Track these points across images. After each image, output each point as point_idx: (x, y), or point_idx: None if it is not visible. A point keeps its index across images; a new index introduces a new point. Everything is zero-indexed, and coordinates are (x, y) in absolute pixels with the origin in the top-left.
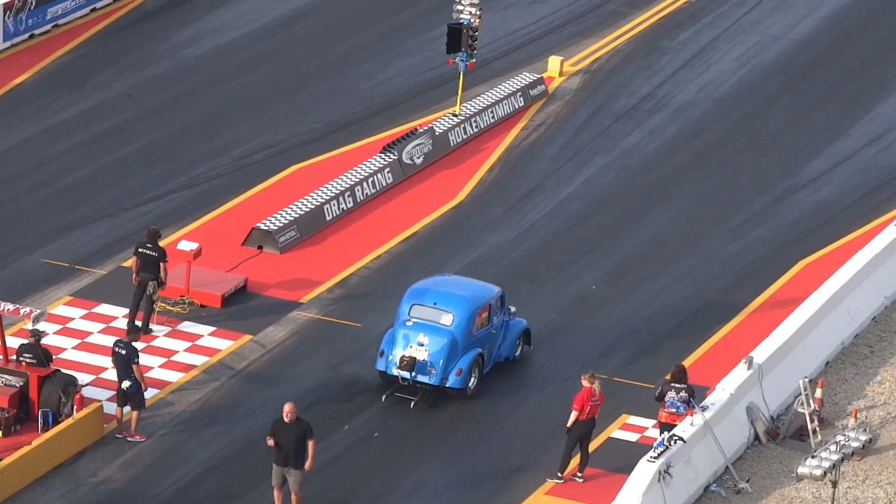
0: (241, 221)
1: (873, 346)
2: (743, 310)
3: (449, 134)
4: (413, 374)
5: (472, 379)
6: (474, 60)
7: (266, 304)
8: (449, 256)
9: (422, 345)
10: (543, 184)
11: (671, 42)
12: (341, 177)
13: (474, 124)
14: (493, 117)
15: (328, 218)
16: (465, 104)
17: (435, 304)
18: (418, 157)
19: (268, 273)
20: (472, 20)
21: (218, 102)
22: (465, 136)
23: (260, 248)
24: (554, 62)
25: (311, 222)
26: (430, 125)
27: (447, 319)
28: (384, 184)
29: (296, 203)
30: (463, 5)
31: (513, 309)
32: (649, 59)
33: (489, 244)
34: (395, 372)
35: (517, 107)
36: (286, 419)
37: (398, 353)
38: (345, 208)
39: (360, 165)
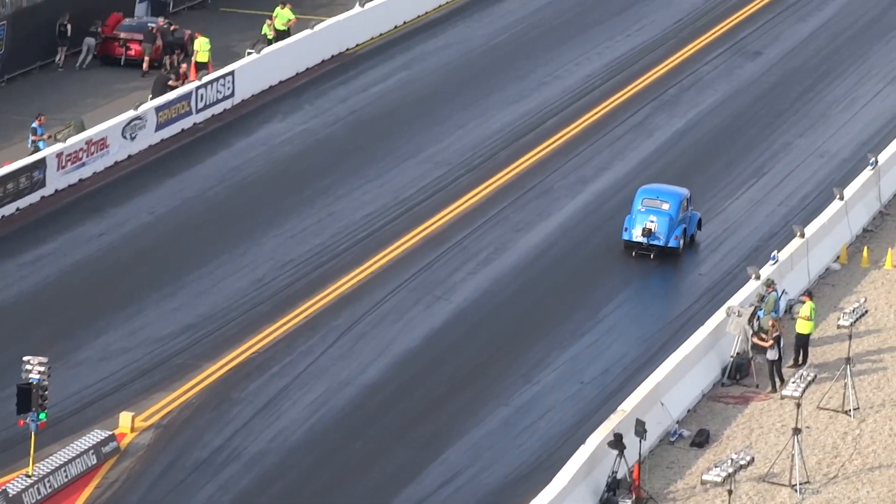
0: None
1: None
2: None
3: (24, 495)
4: (648, 240)
5: (681, 242)
6: (45, 419)
7: None
8: None
9: (652, 222)
10: None
11: (241, 393)
12: None
13: (48, 484)
14: (66, 476)
15: None
16: (38, 464)
17: (658, 197)
18: None
19: None
20: (42, 379)
21: None
22: (39, 497)
23: None
24: (125, 418)
25: None
26: (3, 487)
27: (667, 206)
28: None
29: None
30: (32, 364)
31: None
32: (220, 410)
33: None
34: (637, 238)
35: (90, 465)
36: None
37: (638, 228)
38: None
39: None
